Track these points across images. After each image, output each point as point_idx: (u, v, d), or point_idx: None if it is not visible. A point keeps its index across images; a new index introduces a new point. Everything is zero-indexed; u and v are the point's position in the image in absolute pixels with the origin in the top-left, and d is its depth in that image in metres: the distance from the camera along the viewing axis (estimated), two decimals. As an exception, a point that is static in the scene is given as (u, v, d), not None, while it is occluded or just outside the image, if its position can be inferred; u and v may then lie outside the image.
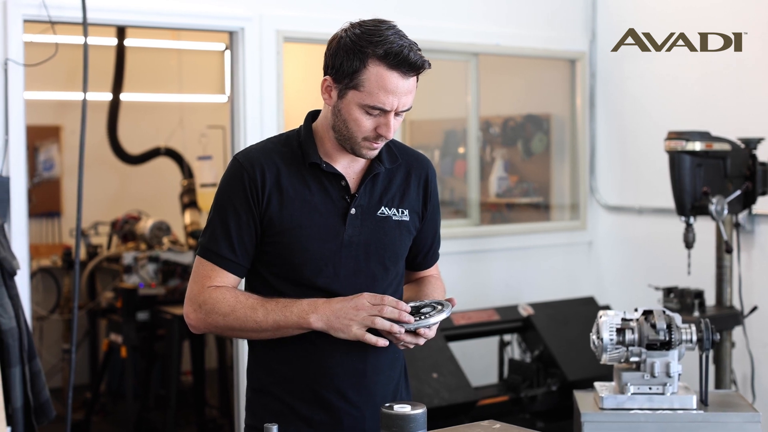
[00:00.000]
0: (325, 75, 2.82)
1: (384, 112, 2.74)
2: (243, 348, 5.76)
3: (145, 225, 7.61)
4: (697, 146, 5.14)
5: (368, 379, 2.92)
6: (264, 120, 5.76)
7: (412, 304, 2.83)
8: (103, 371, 7.47)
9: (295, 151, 2.89)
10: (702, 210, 5.16)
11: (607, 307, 6.34)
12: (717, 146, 5.21)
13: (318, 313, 2.74)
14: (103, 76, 8.01)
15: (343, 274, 2.86)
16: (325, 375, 2.87)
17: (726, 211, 5.16)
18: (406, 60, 2.70)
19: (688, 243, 5.26)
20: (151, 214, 7.92)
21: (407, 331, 2.74)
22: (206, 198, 7.85)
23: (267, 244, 2.85)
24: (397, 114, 2.77)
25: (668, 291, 5.33)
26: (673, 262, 6.21)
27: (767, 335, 5.92)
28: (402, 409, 2.51)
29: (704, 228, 5.48)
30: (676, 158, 5.18)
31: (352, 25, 2.77)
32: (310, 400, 2.89)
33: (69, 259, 7.92)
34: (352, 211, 2.86)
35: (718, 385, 5.37)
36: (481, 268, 6.73)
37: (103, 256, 7.81)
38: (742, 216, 5.77)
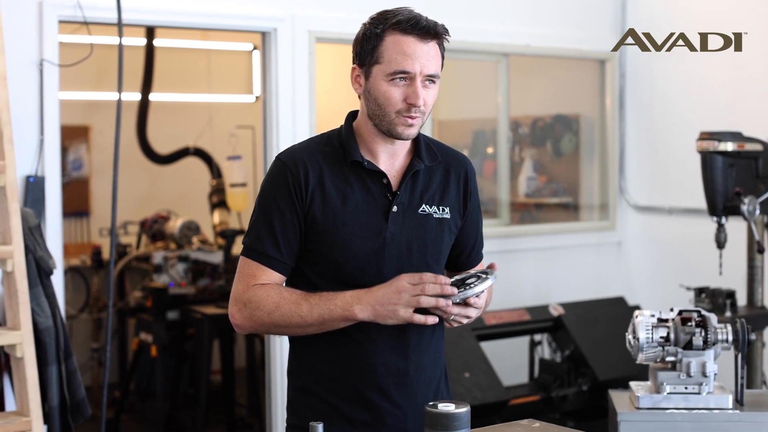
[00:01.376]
0: (352, 66, 2.88)
1: (409, 78, 2.77)
2: (276, 347, 5.79)
3: (175, 225, 7.64)
4: (729, 147, 5.14)
5: (410, 378, 2.92)
6: (296, 120, 5.78)
7: (458, 276, 2.82)
8: (133, 370, 7.51)
9: (337, 150, 2.91)
10: (734, 210, 5.16)
11: (637, 307, 6.35)
12: (749, 146, 5.21)
13: (362, 304, 2.73)
14: (132, 76, 8.05)
15: (387, 272, 2.85)
16: (368, 374, 2.87)
17: (758, 212, 5.15)
18: (419, 23, 2.76)
19: (720, 243, 5.25)
20: (180, 214, 7.95)
21: (455, 304, 2.73)
22: (236, 198, 7.87)
23: (310, 242, 2.87)
24: (425, 86, 2.79)
25: (700, 291, 5.32)
26: (703, 262, 6.22)
27: (797, 336, 5.92)
28: (446, 407, 2.52)
29: (734, 228, 5.47)
30: (708, 158, 5.17)
31: (370, 17, 2.85)
32: (353, 400, 2.90)
33: (98, 259, 7.97)
34: (394, 208, 2.87)
35: (749, 385, 5.35)
36: (511, 268, 6.74)
37: (132, 256, 7.85)
38: (772, 216, 5.76)
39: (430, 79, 2.80)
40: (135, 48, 8.18)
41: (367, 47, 2.80)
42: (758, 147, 5.25)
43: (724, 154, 5.14)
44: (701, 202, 5.35)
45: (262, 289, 2.83)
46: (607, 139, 7.26)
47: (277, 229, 2.85)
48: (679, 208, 6.81)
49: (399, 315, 2.71)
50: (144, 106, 8.32)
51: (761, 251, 5.33)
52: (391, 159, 2.92)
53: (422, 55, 2.76)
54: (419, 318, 2.71)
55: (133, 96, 8.19)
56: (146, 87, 8.26)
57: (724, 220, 5.23)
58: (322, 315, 2.77)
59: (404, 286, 2.71)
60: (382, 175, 2.89)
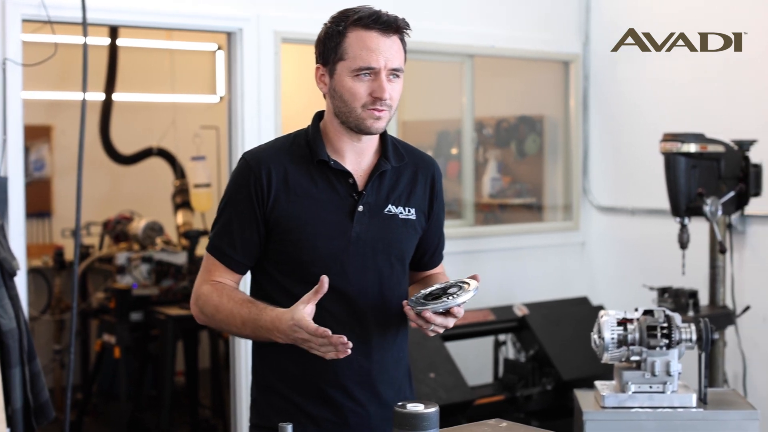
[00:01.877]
0: (316, 66, 2.90)
1: (374, 73, 2.79)
2: (240, 348, 5.78)
3: (138, 225, 7.60)
4: (692, 148, 5.18)
5: (373, 377, 2.94)
6: (261, 121, 5.77)
7: (438, 285, 2.83)
8: (96, 372, 7.47)
9: (303, 149, 2.92)
10: (696, 211, 5.20)
11: (600, 308, 6.39)
12: (711, 148, 5.26)
13: (280, 333, 2.73)
14: (95, 75, 8.00)
15: (351, 272, 2.88)
16: (331, 372, 2.89)
17: (720, 212, 5.21)
18: (380, 18, 2.80)
19: (683, 243, 5.29)
20: (143, 215, 7.91)
21: (438, 313, 2.73)
22: (200, 198, 7.85)
23: (275, 241, 2.89)
24: (389, 80, 2.81)
25: (663, 291, 5.36)
26: (665, 262, 6.27)
27: (758, 334, 5.98)
28: (415, 407, 2.53)
29: (696, 229, 5.52)
30: (671, 160, 5.22)
31: (331, 16, 2.88)
32: (316, 398, 2.92)
33: (61, 260, 7.90)
34: (360, 208, 2.89)
35: (711, 384, 5.40)
36: (475, 269, 6.68)
37: (95, 257, 7.81)
38: (734, 217, 5.81)
39: (395, 73, 2.82)
40: (98, 47, 8.13)
41: (330, 45, 2.81)
42: (720, 148, 5.30)
43: (687, 155, 5.19)
44: (664, 203, 5.39)
45: (209, 289, 2.89)
46: (571, 140, 7.30)
47: (234, 229, 2.89)
48: (642, 208, 6.86)
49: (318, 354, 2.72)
50: (107, 106, 8.27)
51: (723, 251, 5.38)
52: (357, 159, 2.93)
53: (386, 50, 2.79)
54: (335, 357, 2.69)
55: (97, 96, 8.14)
56: (109, 87, 8.21)
57: (686, 220, 5.27)
58: (254, 332, 2.82)
59: (303, 335, 2.68)
60: (348, 174, 2.90)
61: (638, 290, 6.02)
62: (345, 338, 2.64)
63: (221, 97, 9.45)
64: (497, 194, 7.35)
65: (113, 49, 8.15)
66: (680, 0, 6.64)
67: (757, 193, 5.48)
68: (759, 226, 5.99)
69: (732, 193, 5.35)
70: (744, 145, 5.46)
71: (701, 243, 5.62)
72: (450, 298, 2.73)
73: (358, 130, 2.85)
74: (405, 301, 2.80)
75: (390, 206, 2.95)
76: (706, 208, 5.14)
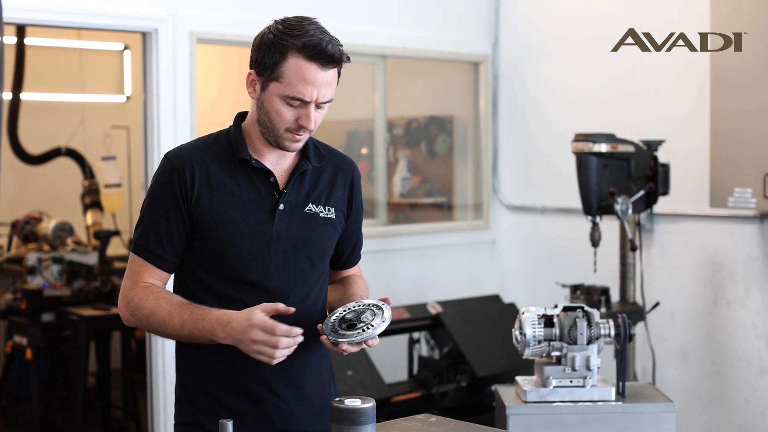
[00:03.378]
0: (249, 69, 2.91)
1: (304, 103, 2.82)
2: (157, 348, 5.76)
3: (48, 226, 7.53)
4: (603, 148, 5.29)
5: (296, 372, 2.98)
6: (177, 121, 5.76)
7: (351, 306, 2.89)
8: (7, 374, 7.38)
9: (225, 148, 2.96)
10: (608, 209, 5.30)
11: (512, 305, 6.50)
12: (622, 148, 5.37)
13: (224, 333, 2.78)
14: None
15: (273, 269, 2.93)
16: (254, 369, 2.92)
17: (631, 211, 5.32)
18: (324, 52, 2.79)
19: (595, 242, 5.39)
20: (52, 215, 7.83)
21: (352, 343, 2.79)
22: (111, 198, 7.81)
23: (198, 239, 2.92)
24: (318, 106, 2.85)
25: (575, 288, 5.45)
26: (575, 260, 6.40)
27: (665, 330, 6.14)
28: (353, 403, 2.59)
29: (606, 227, 5.63)
30: (583, 159, 5.31)
31: (276, 22, 2.87)
32: (239, 394, 2.95)
33: (-35, 261, 7.81)
34: (281, 206, 2.93)
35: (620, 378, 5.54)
36: (388, 267, 6.83)
37: (3, 257, 7.72)
38: (643, 215, 5.96)
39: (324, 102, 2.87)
40: (5, 46, 8.02)
41: (268, 61, 2.82)
42: (631, 148, 5.42)
43: (599, 155, 5.29)
44: (573, 202, 5.50)
45: (142, 292, 2.90)
46: (481, 140, 7.39)
47: (161, 227, 2.91)
48: (551, 207, 6.97)
49: (261, 359, 2.76)
50: (15, 105, 8.18)
51: (634, 249, 5.51)
52: (278, 159, 2.98)
53: (321, 84, 2.81)
54: (280, 359, 2.76)
55: (4, 95, 8.01)
56: (17, 86, 8.13)
57: (598, 219, 5.38)
58: (192, 333, 2.83)
59: (258, 335, 2.73)
60: (269, 173, 2.95)
61: (548, 288, 6.14)
62: (300, 330, 2.74)
63: (128, 97, 9.40)
64: (408, 194, 7.42)
65: (20, 48, 8.06)
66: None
67: (666, 192, 5.62)
68: (666, 224, 6.15)
69: (642, 192, 5.48)
70: (653, 145, 5.59)
71: (611, 241, 5.75)
72: (365, 328, 2.79)
73: (276, 146, 2.91)
74: (319, 325, 2.86)
75: (310, 205, 3.00)
76: (618, 207, 5.25)
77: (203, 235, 2.91)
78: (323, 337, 2.82)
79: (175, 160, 2.93)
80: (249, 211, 2.92)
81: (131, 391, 7.21)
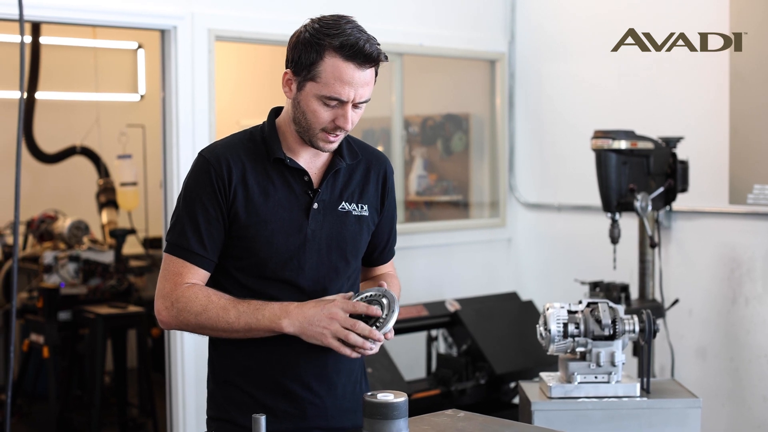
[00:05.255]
0: (286, 68, 2.88)
1: (341, 103, 2.80)
2: (176, 346, 5.75)
3: (63, 224, 7.55)
4: (623, 145, 5.28)
5: (330, 369, 2.97)
6: (195, 118, 5.76)
7: (359, 296, 2.86)
8: (24, 372, 7.39)
9: (259, 146, 2.94)
10: (627, 206, 5.30)
11: (530, 302, 6.49)
12: (641, 145, 5.36)
13: (290, 318, 2.77)
14: (17, 73, 7.91)
15: (308, 268, 2.92)
16: (288, 365, 2.92)
17: (650, 208, 5.32)
18: (362, 51, 2.76)
19: (614, 238, 5.39)
20: (67, 214, 7.85)
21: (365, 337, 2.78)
22: (126, 197, 7.83)
23: (232, 238, 2.90)
24: (355, 106, 2.83)
25: (594, 285, 5.44)
26: (592, 257, 6.40)
27: (683, 327, 6.12)
28: (385, 397, 2.59)
29: (624, 224, 5.62)
30: (602, 156, 5.31)
31: (313, 20, 2.84)
32: (274, 391, 2.94)
33: (-13, 259, 7.84)
34: (315, 205, 2.92)
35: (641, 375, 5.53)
36: (405, 265, 6.81)
37: (19, 256, 7.72)
38: (661, 212, 5.95)
39: (362, 103, 2.85)
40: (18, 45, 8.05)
41: (305, 60, 2.79)
42: (650, 145, 5.41)
43: (618, 152, 5.29)
44: (590, 199, 5.50)
45: (190, 290, 2.86)
46: (497, 138, 7.39)
47: (201, 226, 2.88)
48: (568, 205, 6.96)
49: (326, 341, 2.77)
50: (30, 104, 8.20)
51: (654, 246, 5.50)
52: (312, 157, 2.96)
53: (358, 83, 2.79)
54: (346, 351, 2.76)
55: (18, 94, 8.04)
56: (32, 85, 8.14)
57: (617, 215, 5.38)
58: (249, 324, 2.81)
59: (338, 314, 2.75)
60: (304, 172, 2.93)
61: (565, 285, 6.14)
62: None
63: (142, 96, 9.42)
64: (424, 192, 7.42)
65: (36, 47, 8.07)
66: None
67: (684, 189, 5.62)
68: (685, 221, 6.13)
69: (661, 189, 5.47)
70: (671, 142, 5.59)
71: (629, 238, 5.75)
72: (378, 321, 2.78)
73: (311, 144, 2.89)
74: None
75: (344, 203, 2.99)
76: (637, 204, 5.24)
77: (238, 233, 2.89)
78: None
79: (211, 157, 2.90)
80: (284, 210, 2.90)
81: (147, 389, 7.21)
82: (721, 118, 5.85)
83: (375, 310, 2.75)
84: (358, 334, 2.74)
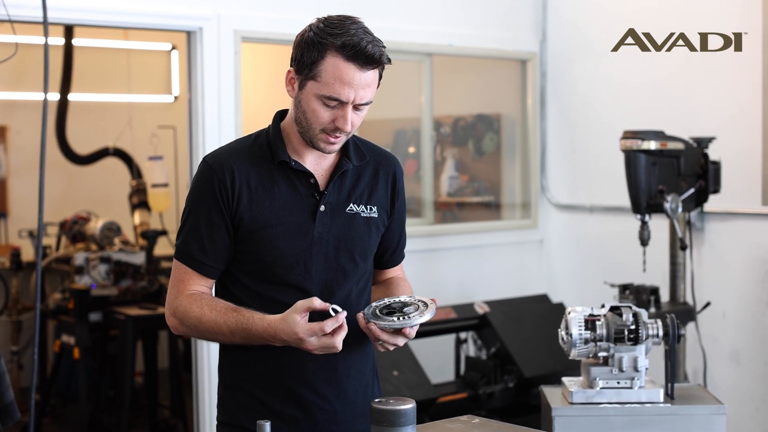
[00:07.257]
0: (289, 67, 2.86)
1: (341, 104, 2.76)
2: (203, 347, 5.76)
3: (95, 226, 7.55)
4: (652, 145, 5.21)
5: (339, 373, 2.95)
6: (221, 120, 5.75)
7: (399, 299, 2.83)
8: (56, 373, 7.42)
9: (264, 149, 2.92)
10: (657, 208, 5.23)
11: (560, 305, 6.43)
12: (671, 145, 5.29)
13: (277, 339, 2.74)
14: (50, 75, 7.93)
15: (315, 271, 2.89)
16: (297, 369, 2.90)
17: (680, 209, 5.24)
18: (363, 52, 2.72)
19: (644, 240, 5.32)
20: (99, 215, 7.87)
21: (387, 330, 2.75)
22: (158, 198, 7.83)
23: (238, 242, 2.88)
24: (356, 108, 2.79)
25: (624, 288, 5.38)
26: (624, 259, 6.33)
27: (716, 330, 6.04)
28: (391, 404, 2.55)
29: (655, 226, 5.56)
30: (631, 157, 5.24)
31: (319, 20, 2.81)
32: (283, 395, 2.92)
33: (18, 261, 7.86)
34: (322, 208, 2.89)
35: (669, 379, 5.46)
36: (435, 267, 6.79)
37: (52, 257, 7.75)
38: (693, 214, 5.87)
39: (363, 105, 2.81)
40: (53, 47, 8.07)
41: (307, 59, 2.76)
42: (680, 146, 5.34)
43: (647, 152, 5.22)
44: (622, 201, 5.43)
45: (187, 301, 2.87)
46: (529, 139, 7.34)
47: (203, 233, 2.87)
48: (600, 206, 6.90)
49: (315, 352, 2.73)
50: (63, 106, 8.23)
51: (684, 248, 5.42)
52: (318, 159, 2.94)
53: (359, 85, 2.75)
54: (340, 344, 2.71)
55: (52, 96, 8.08)
56: (65, 87, 8.17)
57: (647, 217, 5.31)
58: (245, 339, 2.82)
59: (312, 344, 2.70)
60: (309, 175, 2.91)
61: (597, 287, 6.06)
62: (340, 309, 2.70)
63: (176, 97, 9.43)
64: (455, 193, 7.38)
65: (68, 49, 8.10)
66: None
67: (716, 190, 5.53)
68: (717, 222, 6.05)
69: (692, 190, 5.40)
70: (703, 143, 5.51)
71: (660, 240, 5.67)
72: (404, 318, 2.74)
73: (311, 145, 2.86)
74: (360, 313, 2.80)
75: (352, 205, 2.96)
76: (667, 205, 5.17)
77: (243, 238, 2.87)
78: (359, 314, 2.78)
79: (214, 163, 2.89)
80: (289, 213, 2.87)
81: (178, 390, 7.21)
82: (754, 118, 5.77)
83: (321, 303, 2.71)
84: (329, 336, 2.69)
